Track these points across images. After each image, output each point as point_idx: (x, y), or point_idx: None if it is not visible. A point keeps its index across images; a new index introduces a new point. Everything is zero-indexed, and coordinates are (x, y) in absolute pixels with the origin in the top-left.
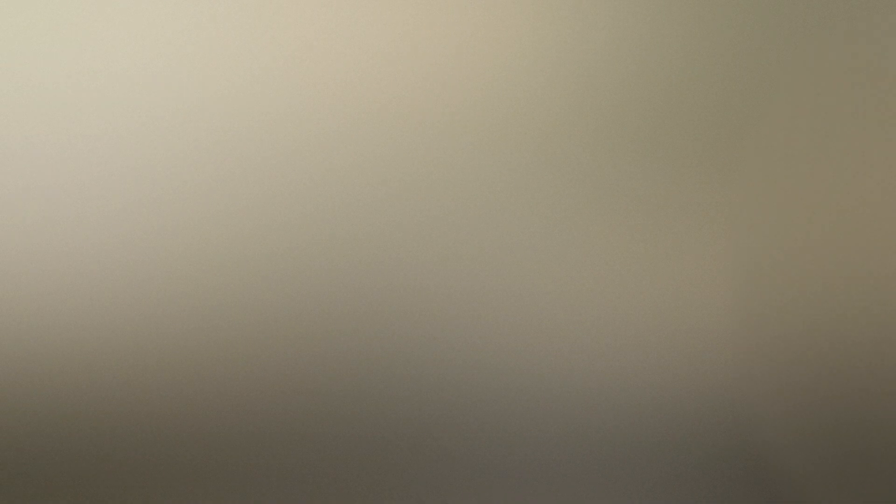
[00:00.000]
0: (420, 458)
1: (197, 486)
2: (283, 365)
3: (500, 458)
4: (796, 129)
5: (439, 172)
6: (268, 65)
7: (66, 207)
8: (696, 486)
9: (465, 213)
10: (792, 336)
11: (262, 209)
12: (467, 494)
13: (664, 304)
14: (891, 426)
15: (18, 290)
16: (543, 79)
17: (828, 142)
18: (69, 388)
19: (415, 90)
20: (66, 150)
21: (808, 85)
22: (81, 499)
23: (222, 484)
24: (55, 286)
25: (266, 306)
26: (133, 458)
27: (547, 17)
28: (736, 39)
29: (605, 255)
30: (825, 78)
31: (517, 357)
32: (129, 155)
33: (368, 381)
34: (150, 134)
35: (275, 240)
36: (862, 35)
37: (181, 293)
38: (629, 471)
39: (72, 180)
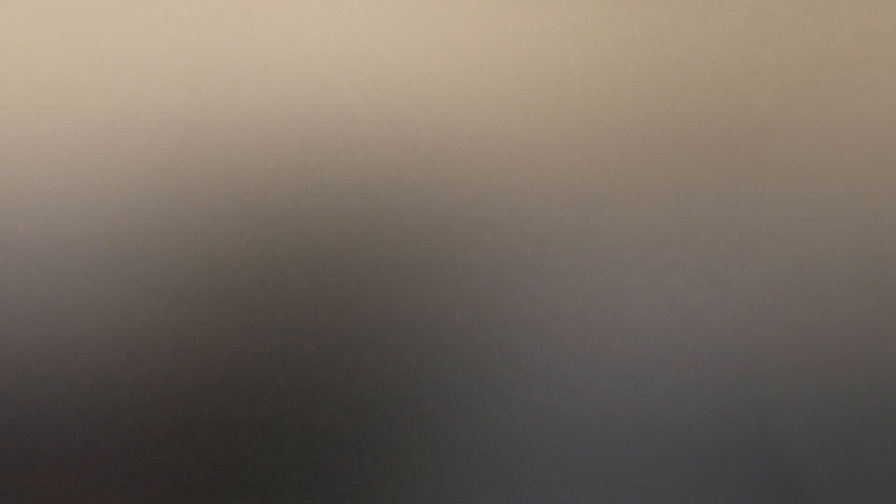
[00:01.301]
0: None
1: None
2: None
3: (508, 455)
4: (807, 139)
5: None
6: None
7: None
8: (712, 484)
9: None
10: (807, 339)
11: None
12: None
13: (684, 308)
14: None
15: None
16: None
17: (841, 147)
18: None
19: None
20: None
21: (822, 90)
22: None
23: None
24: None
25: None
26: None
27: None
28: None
29: (626, 259)
30: (838, 82)
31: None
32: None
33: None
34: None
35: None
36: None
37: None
38: (642, 471)
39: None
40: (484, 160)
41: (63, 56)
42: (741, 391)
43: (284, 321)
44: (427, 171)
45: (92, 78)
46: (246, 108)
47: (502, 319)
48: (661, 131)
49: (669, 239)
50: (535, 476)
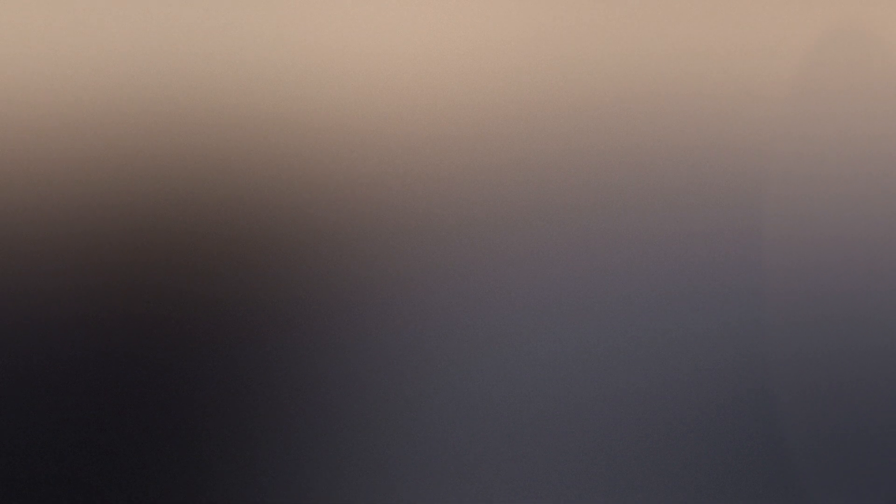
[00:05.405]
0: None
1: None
2: None
3: (507, 455)
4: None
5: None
6: None
7: None
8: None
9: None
10: (807, 337)
11: None
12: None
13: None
14: None
15: None
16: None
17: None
18: None
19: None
20: None
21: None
22: None
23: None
24: None
25: None
26: None
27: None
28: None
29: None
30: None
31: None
32: None
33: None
34: None
35: None
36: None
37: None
38: (641, 470)
39: None
40: (481, 158)
41: (62, 54)
42: (741, 390)
43: (282, 320)
44: (426, 170)
45: (91, 76)
46: (244, 106)
47: (502, 316)
48: (659, 131)
49: (668, 237)
50: (534, 476)
